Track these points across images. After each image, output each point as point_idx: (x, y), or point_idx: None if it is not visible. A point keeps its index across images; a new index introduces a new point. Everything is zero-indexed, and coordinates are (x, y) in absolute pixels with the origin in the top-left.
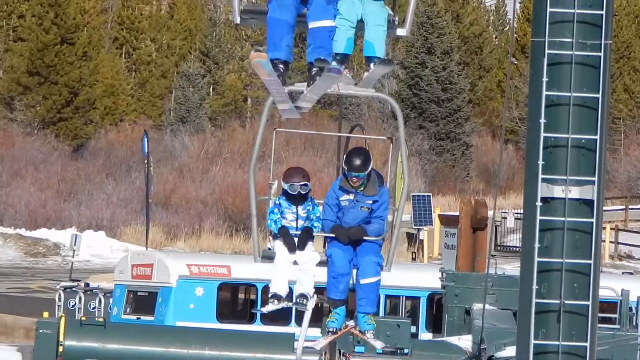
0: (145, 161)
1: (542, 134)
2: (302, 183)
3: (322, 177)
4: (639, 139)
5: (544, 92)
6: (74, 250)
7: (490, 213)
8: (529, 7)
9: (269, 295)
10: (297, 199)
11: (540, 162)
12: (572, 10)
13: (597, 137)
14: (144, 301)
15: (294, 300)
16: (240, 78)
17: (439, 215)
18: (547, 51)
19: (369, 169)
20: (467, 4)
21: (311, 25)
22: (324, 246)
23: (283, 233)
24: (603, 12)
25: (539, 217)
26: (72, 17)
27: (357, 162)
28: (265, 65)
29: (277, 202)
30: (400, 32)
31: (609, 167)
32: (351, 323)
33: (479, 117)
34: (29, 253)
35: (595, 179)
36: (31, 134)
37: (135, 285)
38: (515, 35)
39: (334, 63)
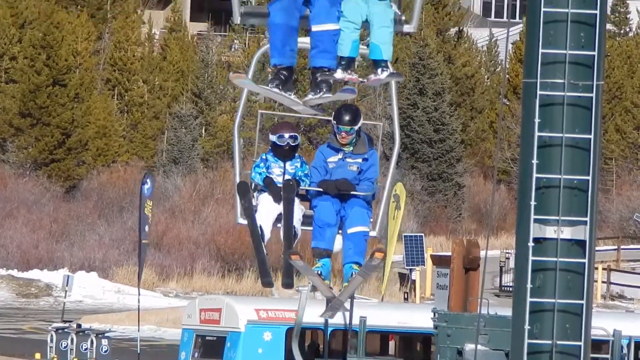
0: (148, 202)
1: (534, 175)
2: (291, 134)
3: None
4: (631, 180)
5: (536, 133)
6: (66, 291)
7: (482, 253)
8: (520, 48)
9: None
10: (285, 154)
11: (533, 203)
12: (564, 52)
13: (589, 177)
14: (212, 346)
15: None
16: (232, 119)
17: (431, 256)
18: (539, 92)
19: (359, 124)
20: (459, 45)
21: (314, 28)
22: (310, 206)
23: (268, 182)
24: (595, 53)
25: (531, 258)
26: (64, 58)
27: (347, 116)
28: (247, 84)
29: (263, 157)
30: (407, 28)
31: (601, 208)
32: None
33: (471, 158)
34: (21, 294)
35: (588, 219)
36: (23, 175)
37: (203, 329)
38: (507, 76)
39: (339, 70)
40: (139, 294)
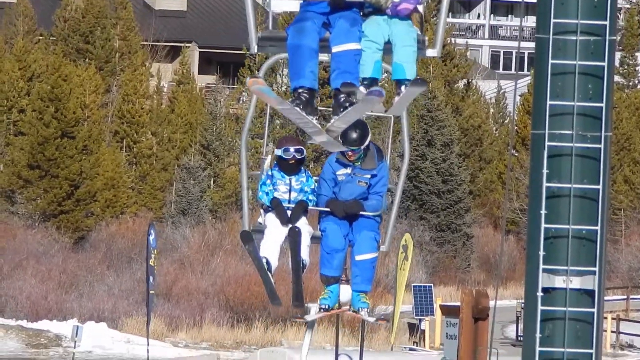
0: (154, 253)
1: (543, 225)
2: (297, 147)
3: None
4: None
5: (545, 184)
6: (75, 342)
7: (491, 303)
8: (529, 100)
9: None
10: (291, 168)
11: (541, 253)
12: (572, 103)
13: (598, 228)
14: None
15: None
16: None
17: (440, 306)
18: (547, 143)
19: (367, 142)
20: (467, 97)
21: (335, 49)
22: (319, 222)
23: (275, 204)
24: (603, 105)
25: (540, 307)
26: (72, 111)
27: (354, 134)
28: (267, 91)
29: (269, 173)
30: (431, 52)
31: (610, 258)
32: (345, 298)
33: (479, 209)
34: (30, 344)
35: (596, 269)
36: (32, 227)
37: None
38: (515, 127)
39: (361, 88)
40: (148, 344)
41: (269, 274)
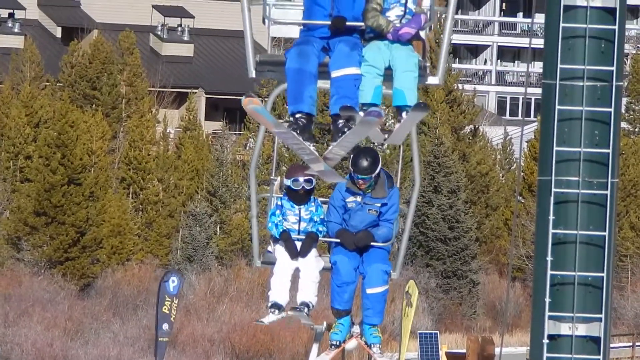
0: (172, 300)
1: (549, 272)
2: (306, 178)
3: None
4: None
5: (551, 230)
6: None
7: (497, 350)
8: (535, 146)
9: (269, 305)
10: (300, 198)
11: (547, 300)
12: (579, 149)
13: (604, 274)
14: None
15: (297, 309)
16: (246, 217)
17: (446, 353)
18: (553, 190)
19: (377, 170)
20: (474, 143)
21: (334, 74)
22: (329, 251)
23: (285, 238)
24: (609, 151)
25: (545, 355)
26: (79, 157)
27: (364, 163)
28: (262, 112)
29: (278, 202)
30: (432, 80)
31: (615, 305)
32: (356, 330)
33: (485, 255)
34: None
35: (602, 316)
36: (38, 274)
37: None
38: (522, 174)
39: (361, 113)
40: None
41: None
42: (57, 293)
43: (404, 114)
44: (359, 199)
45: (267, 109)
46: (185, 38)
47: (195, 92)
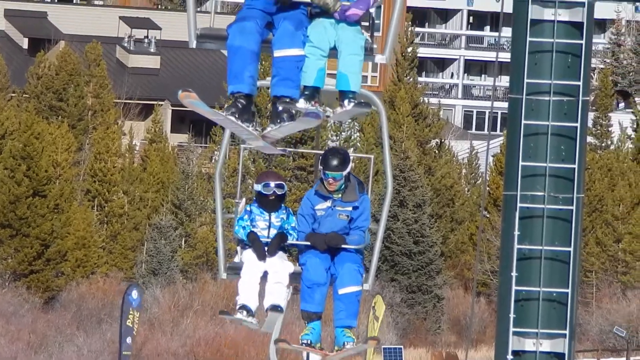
0: (134, 313)
1: (514, 287)
2: (277, 183)
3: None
4: (611, 292)
5: (516, 246)
6: None
7: None
8: (501, 160)
9: (237, 307)
10: (271, 205)
11: (512, 315)
12: (545, 164)
13: (569, 290)
14: None
15: (276, 307)
16: (212, 230)
17: None
18: (519, 205)
19: (348, 169)
20: (440, 158)
21: (277, 53)
22: (298, 258)
23: (252, 239)
24: (575, 166)
25: None
26: (44, 169)
27: (334, 160)
28: (198, 104)
29: (247, 208)
30: (380, 59)
31: (580, 320)
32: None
33: (450, 270)
34: None
35: (567, 332)
36: (2, 286)
37: None
38: (487, 188)
39: (301, 100)
40: None
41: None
42: (21, 306)
43: (345, 101)
44: (329, 203)
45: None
46: (152, 50)
47: (162, 104)
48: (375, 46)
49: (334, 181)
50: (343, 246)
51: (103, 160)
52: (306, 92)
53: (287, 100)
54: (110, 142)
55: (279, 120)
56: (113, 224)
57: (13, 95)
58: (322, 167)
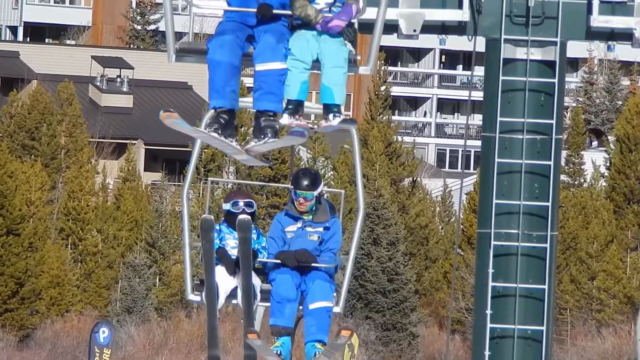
0: (106, 351)
1: (489, 325)
2: (246, 201)
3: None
4: (586, 330)
5: (490, 283)
6: None
7: None
8: (475, 199)
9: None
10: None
11: (487, 353)
12: (518, 202)
13: (544, 328)
14: None
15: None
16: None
17: None
18: (493, 242)
19: (319, 190)
20: (413, 196)
21: (258, 67)
22: (268, 277)
23: (221, 254)
24: (549, 204)
25: None
26: (18, 208)
27: (305, 180)
28: (180, 124)
29: (217, 227)
30: (363, 70)
31: (555, 358)
32: None
33: (425, 308)
34: None
35: None
36: None
37: None
38: (461, 226)
39: (285, 115)
40: None
41: (216, 307)
42: None
43: (330, 116)
44: (299, 224)
45: (202, 125)
46: (125, 89)
47: (135, 143)
48: (359, 57)
49: (304, 201)
50: (313, 265)
51: (77, 198)
52: (290, 107)
53: (271, 115)
54: (84, 180)
55: (262, 136)
56: (87, 262)
57: None
58: (292, 187)
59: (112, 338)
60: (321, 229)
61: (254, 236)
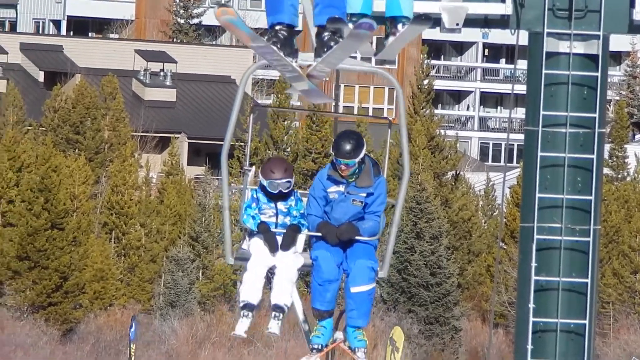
0: (131, 347)
1: (531, 319)
2: (284, 180)
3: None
4: (629, 324)
5: (533, 277)
6: None
7: None
8: (518, 192)
9: (240, 306)
10: (278, 197)
11: (529, 347)
12: (561, 196)
13: (587, 321)
14: None
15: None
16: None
17: None
18: (535, 236)
19: (361, 155)
20: (457, 189)
21: None
22: (309, 247)
23: (264, 229)
24: (592, 198)
25: None
26: (62, 202)
27: (347, 146)
28: (237, 23)
29: (254, 195)
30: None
31: (598, 351)
32: (340, 336)
33: (468, 302)
34: None
35: None
36: (20, 319)
37: None
38: (504, 220)
39: (350, 25)
40: None
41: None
42: (39, 338)
43: (399, 26)
44: (342, 188)
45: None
46: (168, 83)
47: (178, 137)
48: None
49: (346, 168)
50: (357, 237)
51: (120, 193)
52: (353, 20)
53: (336, 17)
54: (127, 174)
55: (325, 49)
56: (130, 256)
57: (29, 128)
58: (333, 153)
59: (136, 332)
60: (364, 194)
61: (292, 202)
